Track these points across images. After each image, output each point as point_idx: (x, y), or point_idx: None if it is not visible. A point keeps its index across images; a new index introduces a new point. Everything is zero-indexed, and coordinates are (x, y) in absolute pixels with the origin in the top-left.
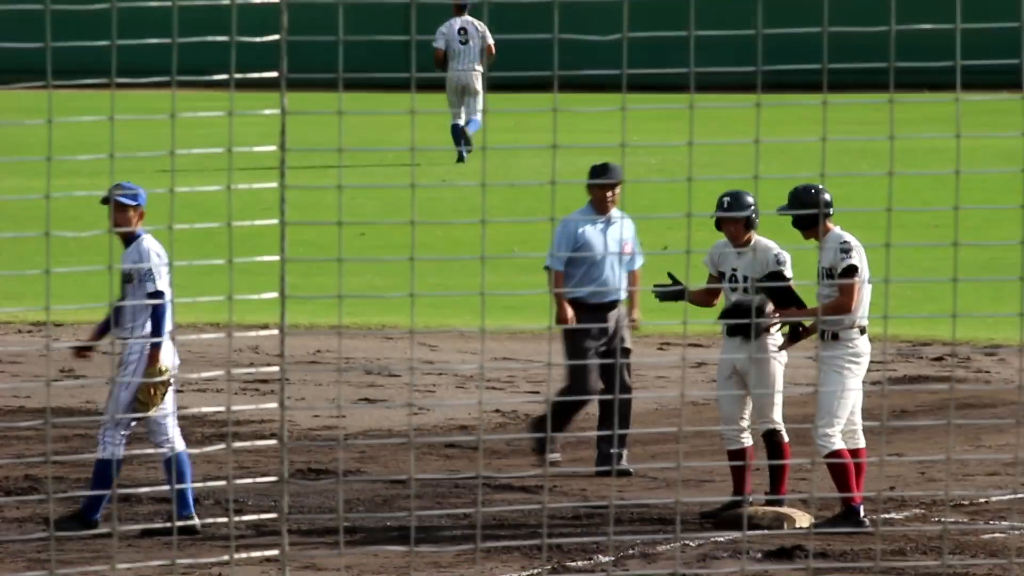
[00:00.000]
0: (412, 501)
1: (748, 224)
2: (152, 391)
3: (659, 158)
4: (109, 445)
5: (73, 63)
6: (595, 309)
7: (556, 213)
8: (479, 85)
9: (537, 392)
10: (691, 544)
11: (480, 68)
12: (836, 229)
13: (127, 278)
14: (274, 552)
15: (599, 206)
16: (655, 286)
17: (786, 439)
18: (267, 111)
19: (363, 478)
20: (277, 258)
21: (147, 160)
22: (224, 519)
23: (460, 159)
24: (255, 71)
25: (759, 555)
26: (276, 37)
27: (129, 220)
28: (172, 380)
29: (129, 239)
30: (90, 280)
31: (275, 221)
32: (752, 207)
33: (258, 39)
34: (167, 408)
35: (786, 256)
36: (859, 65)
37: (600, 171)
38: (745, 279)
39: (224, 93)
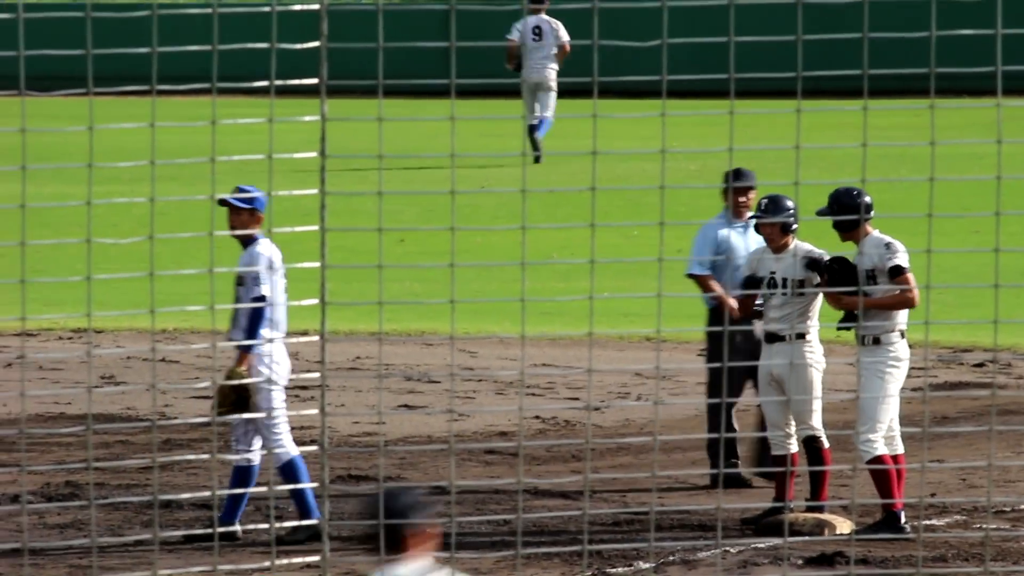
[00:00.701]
0: (452, 507)
1: (785, 228)
2: (226, 393)
3: (699, 164)
4: (242, 452)
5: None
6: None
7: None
8: (552, 82)
9: (577, 399)
10: (732, 550)
11: (554, 66)
12: (875, 232)
13: (240, 281)
14: (315, 558)
15: (736, 210)
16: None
17: (826, 445)
18: (307, 118)
19: (403, 484)
20: (317, 264)
21: (187, 166)
22: (265, 525)
23: (536, 160)
24: (295, 78)
25: (800, 561)
26: (316, 44)
27: (244, 223)
28: (271, 386)
29: (246, 242)
30: (130, 287)
31: (315, 227)
32: (791, 211)
33: (298, 46)
34: (278, 413)
35: (821, 254)
36: (900, 71)
37: (735, 176)
38: (784, 283)
39: (264, 100)
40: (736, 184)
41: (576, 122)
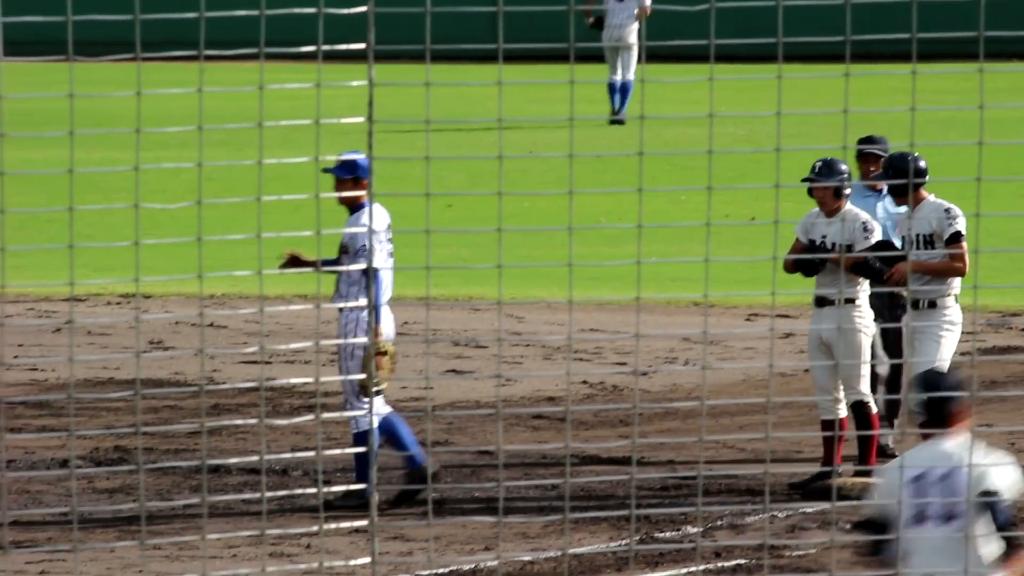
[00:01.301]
0: (500, 472)
1: (838, 192)
2: (377, 362)
3: (747, 129)
4: (360, 419)
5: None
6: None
7: (644, 184)
8: (634, 39)
9: (624, 364)
10: (780, 515)
11: (635, 26)
12: (932, 196)
13: (343, 249)
14: (363, 523)
15: (864, 178)
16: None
17: (874, 410)
18: (355, 83)
19: (451, 449)
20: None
21: (235, 132)
22: (313, 490)
23: (615, 117)
24: (343, 43)
25: (848, 526)
26: (363, 9)
27: (348, 190)
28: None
29: (352, 209)
30: (179, 252)
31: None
32: (844, 175)
33: (346, 11)
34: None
35: (874, 225)
36: (948, 35)
37: (864, 141)
38: (834, 247)
39: (312, 65)
40: (868, 148)
41: None
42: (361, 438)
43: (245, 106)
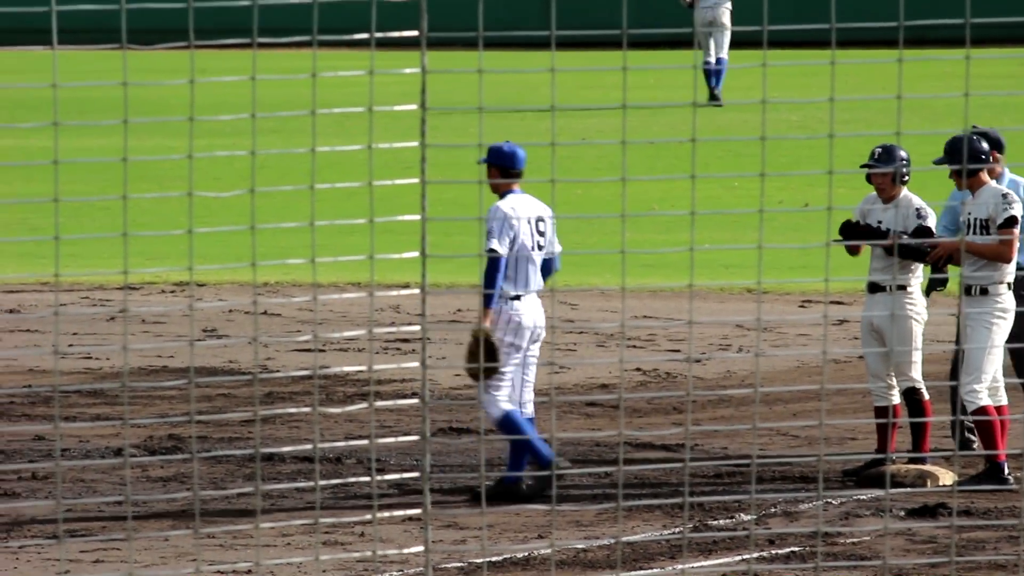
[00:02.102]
0: (553, 459)
1: (896, 177)
2: (474, 351)
3: (800, 114)
4: (492, 407)
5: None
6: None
7: (697, 170)
8: (727, 19)
9: (678, 351)
10: (833, 502)
11: (728, 5)
12: (993, 182)
13: (489, 234)
14: (416, 511)
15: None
16: (931, 277)
17: (927, 396)
18: (407, 70)
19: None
20: (418, 217)
21: (288, 120)
22: (366, 478)
23: (713, 98)
24: (396, 30)
25: (902, 513)
26: None
27: (493, 177)
28: (500, 341)
29: (500, 196)
30: (232, 240)
31: (416, 180)
32: (903, 161)
33: None
34: (505, 371)
35: (929, 211)
36: (1002, 19)
37: (976, 132)
38: (890, 233)
39: (365, 52)
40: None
41: (675, 73)
42: (504, 424)
43: (298, 93)
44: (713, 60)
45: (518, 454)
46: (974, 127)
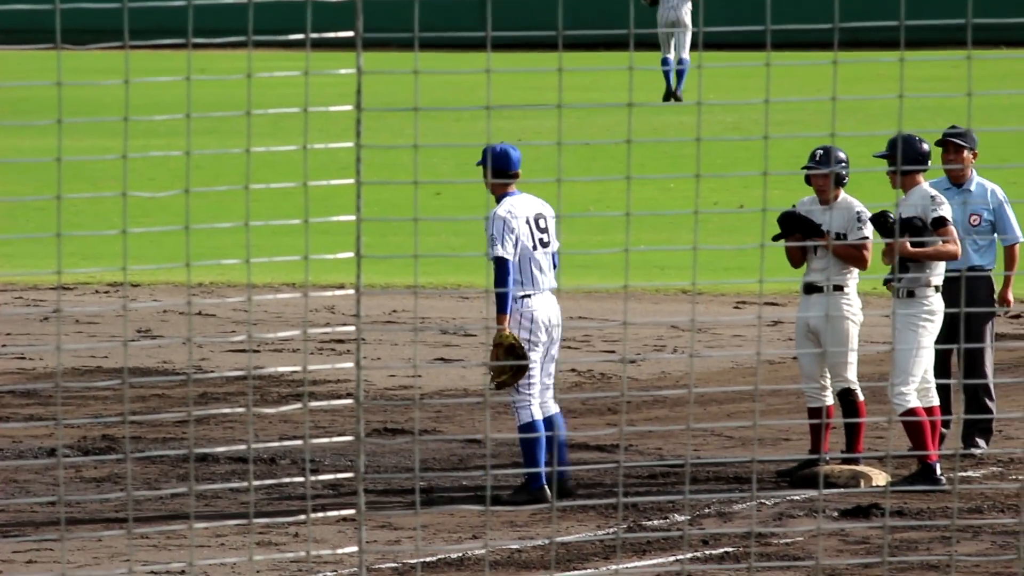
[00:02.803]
0: (488, 460)
1: (838, 180)
2: (496, 356)
3: (735, 116)
4: (521, 410)
5: (149, 23)
6: (946, 283)
7: (632, 171)
8: (688, 20)
9: (612, 351)
10: (767, 503)
11: (689, 5)
12: (925, 184)
13: (491, 240)
14: (351, 512)
15: (950, 175)
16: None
17: (861, 397)
18: (343, 71)
19: (439, 437)
20: (353, 218)
21: (223, 120)
22: (300, 479)
23: (667, 97)
24: (331, 31)
25: (835, 513)
26: None
27: (494, 179)
28: (525, 345)
29: (497, 199)
30: (167, 240)
31: (351, 181)
32: (843, 163)
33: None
34: (533, 371)
35: (868, 215)
36: (936, 22)
37: (945, 135)
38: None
39: (300, 53)
40: (945, 140)
41: (612, 74)
42: (523, 431)
43: (233, 94)
44: (674, 60)
45: (534, 460)
46: (952, 127)
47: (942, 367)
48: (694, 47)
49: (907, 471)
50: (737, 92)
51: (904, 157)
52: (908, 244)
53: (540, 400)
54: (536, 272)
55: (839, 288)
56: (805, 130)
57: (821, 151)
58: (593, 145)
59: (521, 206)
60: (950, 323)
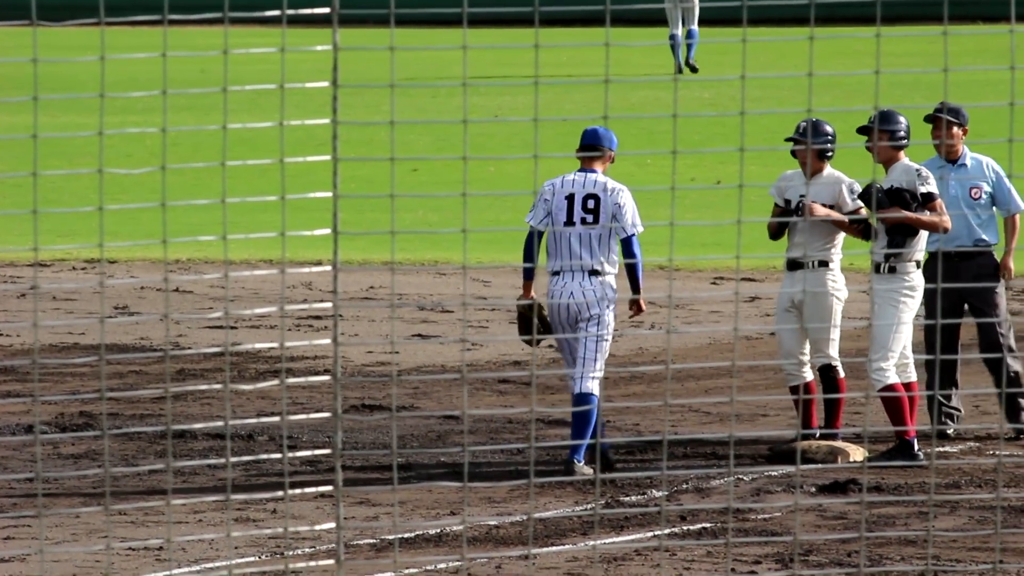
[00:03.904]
0: (465, 437)
1: (822, 153)
2: (519, 322)
3: (712, 92)
4: (582, 381)
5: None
6: (946, 259)
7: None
8: None
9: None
10: (745, 478)
11: None
12: (906, 159)
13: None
14: (328, 488)
15: (943, 151)
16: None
17: (842, 374)
18: (319, 47)
19: (416, 414)
20: (330, 194)
21: (200, 97)
22: (278, 455)
23: (679, 71)
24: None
25: (813, 489)
26: None
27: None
28: (542, 310)
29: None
30: (143, 217)
31: (328, 157)
32: (829, 136)
33: None
34: (588, 345)
35: (858, 187)
36: None
37: (936, 110)
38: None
39: (276, 29)
40: (935, 116)
41: (588, 50)
42: (580, 400)
43: (210, 71)
44: (682, 33)
45: (584, 429)
46: (942, 103)
47: (950, 342)
48: (663, 23)
49: (885, 447)
50: (714, 68)
51: (884, 132)
52: (904, 213)
53: (576, 374)
54: (565, 249)
55: (823, 264)
56: (782, 106)
57: (806, 124)
58: (570, 121)
59: (572, 182)
60: (957, 298)
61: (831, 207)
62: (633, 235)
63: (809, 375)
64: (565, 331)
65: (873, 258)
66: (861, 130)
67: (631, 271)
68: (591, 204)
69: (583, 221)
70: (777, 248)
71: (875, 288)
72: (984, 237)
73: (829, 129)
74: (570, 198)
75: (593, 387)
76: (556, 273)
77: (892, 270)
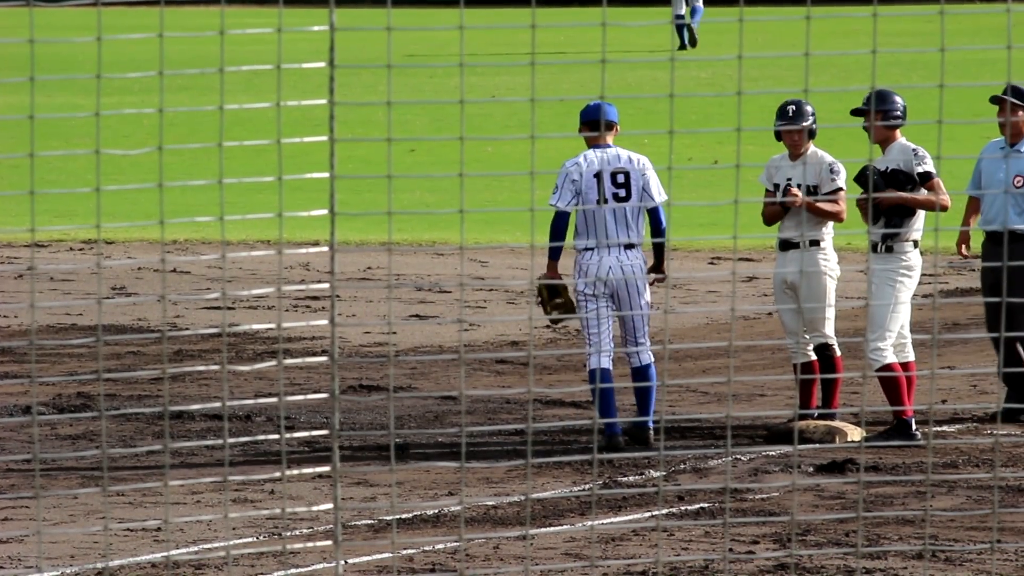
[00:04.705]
0: (463, 417)
1: (810, 133)
2: (542, 298)
3: (709, 72)
4: (588, 359)
5: None
6: (991, 239)
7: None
8: None
9: None
10: (742, 458)
11: None
12: (903, 139)
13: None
14: (326, 468)
15: (1003, 130)
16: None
17: (838, 353)
18: (316, 27)
19: (414, 394)
20: (327, 175)
21: (196, 77)
22: (276, 436)
23: (682, 47)
24: None
25: (811, 469)
26: None
27: (583, 133)
28: (580, 297)
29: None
30: (140, 197)
31: (325, 138)
32: (813, 116)
33: None
34: (589, 322)
35: (840, 167)
36: None
37: (1011, 91)
38: (800, 189)
39: (273, 10)
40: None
41: (586, 30)
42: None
43: (206, 51)
44: (684, 11)
45: (598, 408)
46: (1009, 84)
47: (993, 323)
48: (662, 2)
49: (882, 426)
50: (711, 47)
51: (879, 112)
52: (898, 194)
53: (609, 350)
54: (599, 226)
55: (815, 243)
56: (779, 86)
57: (793, 107)
58: (567, 101)
59: (597, 160)
60: (994, 282)
61: (814, 187)
62: (659, 204)
63: (813, 354)
64: (598, 305)
65: (870, 238)
66: (856, 112)
67: (658, 240)
68: (621, 179)
69: (616, 197)
70: (773, 228)
71: (872, 268)
72: (1020, 225)
73: (810, 108)
74: (598, 176)
75: (651, 357)
76: (588, 249)
77: (889, 250)
